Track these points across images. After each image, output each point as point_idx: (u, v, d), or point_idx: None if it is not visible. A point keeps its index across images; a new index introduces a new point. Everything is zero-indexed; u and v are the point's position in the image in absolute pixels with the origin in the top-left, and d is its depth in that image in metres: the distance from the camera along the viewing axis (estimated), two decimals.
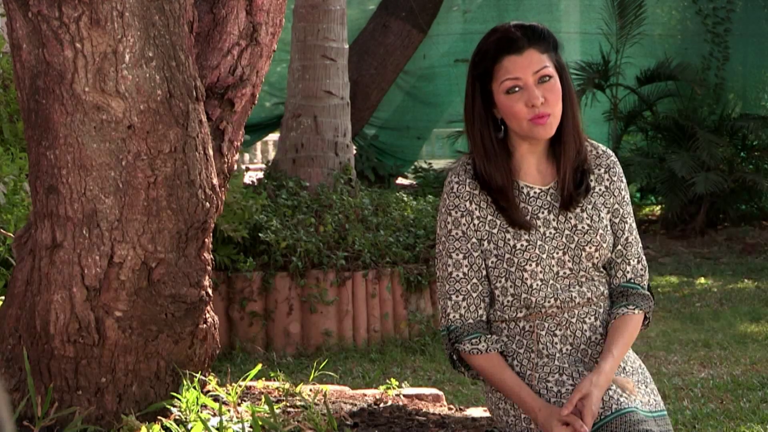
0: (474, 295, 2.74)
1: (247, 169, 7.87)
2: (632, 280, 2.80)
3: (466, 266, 2.74)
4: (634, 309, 2.75)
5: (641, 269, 2.82)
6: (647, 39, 11.74)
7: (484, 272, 2.75)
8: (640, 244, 2.85)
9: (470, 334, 2.72)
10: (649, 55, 11.73)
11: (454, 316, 2.75)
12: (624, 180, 2.83)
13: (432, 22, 11.29)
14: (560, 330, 2.72)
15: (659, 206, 11.89)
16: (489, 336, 2.73)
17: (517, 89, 2.67)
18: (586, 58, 11.40)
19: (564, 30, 11.83)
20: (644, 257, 2.85)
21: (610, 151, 2.85)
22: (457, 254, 2.74)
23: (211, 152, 3.01)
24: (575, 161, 2.75)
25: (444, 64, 12.13)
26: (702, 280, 8.92)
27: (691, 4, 12.21)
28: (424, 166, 12.11)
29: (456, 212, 2.74)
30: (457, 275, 2.74)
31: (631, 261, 2.81)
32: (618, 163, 2.84)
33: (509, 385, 2.69)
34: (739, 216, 11.25)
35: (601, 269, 2.78)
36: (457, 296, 2.74)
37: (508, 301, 2.73)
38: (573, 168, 2.75)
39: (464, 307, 2.74)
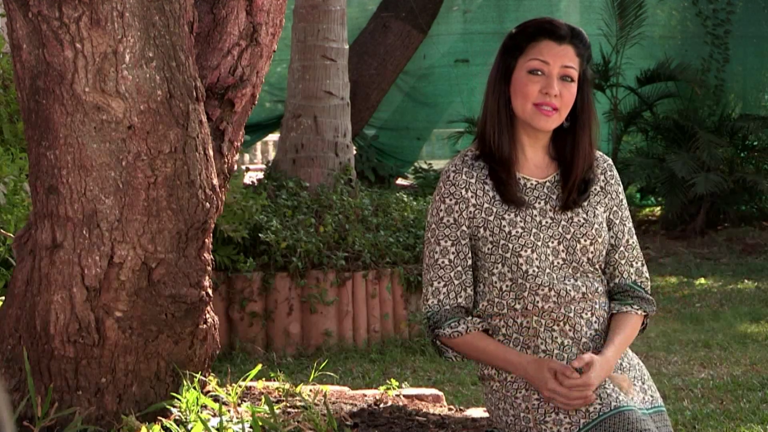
0: (456, 282, 2.75)
1: (247, 170, 7.85)
2: (637, 282, 2.83)
3: (453, 253, 2.76)
4: (638, 309, 2.79)
5: (645, 272, 2.86)
6: (647, 40, 11.75)
7: (470, 262, 2.76)
8: (640, 251, 2.89)
9: (449, 319, 2.74)
10: (649, 57, 11.73)
11: (432, 302, 2.76)
12: (621, 185, 2.89)
13: (432, 22, 11.29)
14: (558, 325, 2.73)
15: (659, 207, 11.89)
16: (469, 318, 2.74)
17: (539, 73, 2.73)
18: None
19: None
20: (645, 264, 2.89)
21: (606, 157, 2.91)
22: (446, 241, 2.76)
23: (211, 152, 3.01)
24: (585, 173, 2.79)
25: (444, 64, 12.12)
26: (702, 280, 8.92)
27: (691, 5, 12.21)
28: (424, 166, 12.11)
29: (450, 199, 2.76)
30: (443, 262, 2.76)
31: (634, 263, 2.84)
32: (614, 168, 2.89)
33: (493, 351, 2.70)
34: (739, 216, 11.25)
35: (597, 267, 2.80)
36: (438, 282, 2.76)
37: (507, 286, 2.74)
38: (582, 179, 2.79)
39: (444, 293, 2.75)
